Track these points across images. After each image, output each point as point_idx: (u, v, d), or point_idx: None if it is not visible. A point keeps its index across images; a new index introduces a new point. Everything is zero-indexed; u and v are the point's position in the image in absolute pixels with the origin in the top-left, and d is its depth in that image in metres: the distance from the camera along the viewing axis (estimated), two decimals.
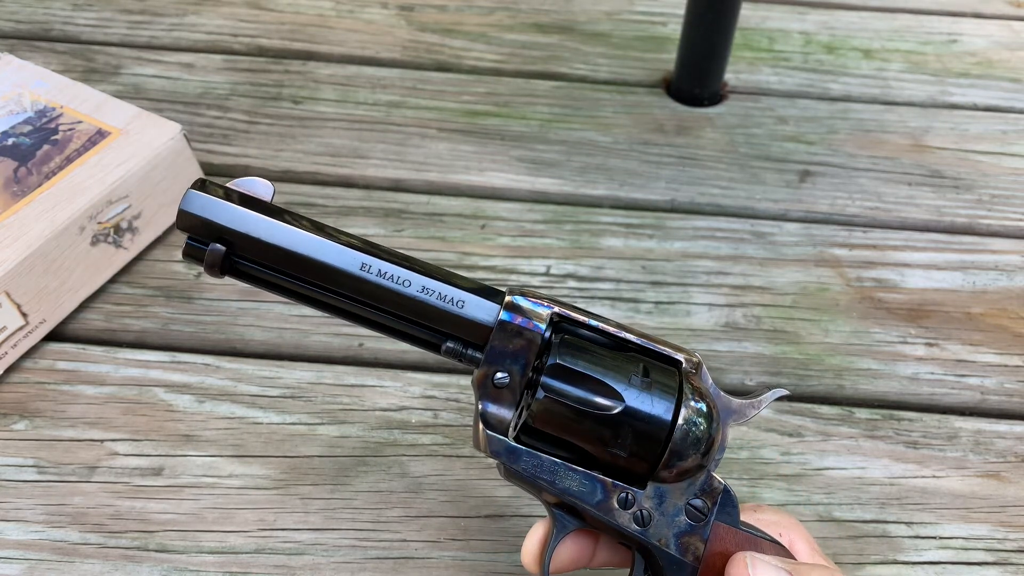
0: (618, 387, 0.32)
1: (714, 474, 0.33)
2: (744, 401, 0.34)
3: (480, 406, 0.33)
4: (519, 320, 0.33)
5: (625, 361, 0.33)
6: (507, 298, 0.33)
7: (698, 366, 0.34)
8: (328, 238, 0.33)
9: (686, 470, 0.32)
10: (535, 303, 0.33)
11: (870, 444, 0.50)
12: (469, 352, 0.33)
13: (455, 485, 0.47)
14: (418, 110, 0.70)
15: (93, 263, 0.54)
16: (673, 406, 0.32)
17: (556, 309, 0.33)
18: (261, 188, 0.33)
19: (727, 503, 0.33)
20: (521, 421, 0.33)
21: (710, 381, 0.34)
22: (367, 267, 0.32)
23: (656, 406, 0.32)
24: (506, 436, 0.33)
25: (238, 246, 0.32)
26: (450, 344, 0.33)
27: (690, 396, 0.32)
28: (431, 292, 0.33)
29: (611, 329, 0.34)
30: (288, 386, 0.51)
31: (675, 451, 0.32)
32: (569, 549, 0.36)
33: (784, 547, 0.34)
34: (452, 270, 0.34)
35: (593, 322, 0.34)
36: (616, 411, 0.32)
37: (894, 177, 0.66)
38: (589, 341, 0.33)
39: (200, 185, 0.32)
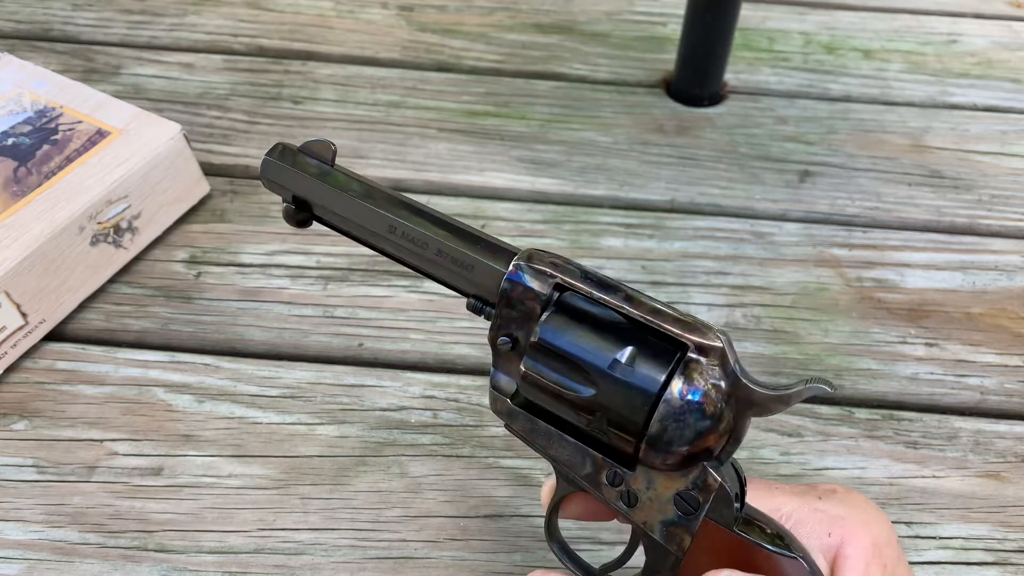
0: (595, 371, 0.31)
1: (715, 470, 0.31)
2: (771, 394, 0.31)
3: (493, 366, 0.35)
4: (519, 289, 0.33)
5: (614, 342, 0.31)
6: (512, 264, 0.33)
7: (714, 351, 0.30)
8: (366, 200, 0.36)
9: (672, 462, 0.31)
10: (538, 272, 0.33)
11: (870, 444, 0.50)
12: (487, 310, 0.34)
13: (455, 485, 0.47)
14: (418, 110, 0.70)
15: (93, 263, 0.54)
16: (653, 398, 0.30)
17: (559, 279, 0.32)
18: (324, 150, 0.37)
19: (723, 502, 0.31)
20: (515, 388, 0.34)
21: (732, 367, 0.31)
22: (393, 229, 0.36)
23: (633, 396, 0.31)
24: (508, 398, 0.34)
25: (301, 204, 0.37)
26: (471, 300, 0.35)
27: (681, 386, 0.30)
28: (444, 255, 0.35)
29: (615, 303, 0.32)
30: (288, 386, 0.51)
31: (653, 442, 0.31)
32: (579, 504, 0.36)
33: (798, 559, 0.30)
34: (478, 228, 0.35)
35: (597, 293, 0.32)
36: (587, 396, 0.31)
37: (894, 177, 0.66)
38: (582, 317, 0.32)
39: (274, 151, 0.37)
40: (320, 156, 0.37)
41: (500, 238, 0.35)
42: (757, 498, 0.33)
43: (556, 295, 0.33)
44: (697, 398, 0.31)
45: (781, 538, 0.32)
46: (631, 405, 0.31)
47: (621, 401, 0.31)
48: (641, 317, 0.32)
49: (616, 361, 0.31)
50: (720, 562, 0.31)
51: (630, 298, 0.32)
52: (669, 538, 0.32)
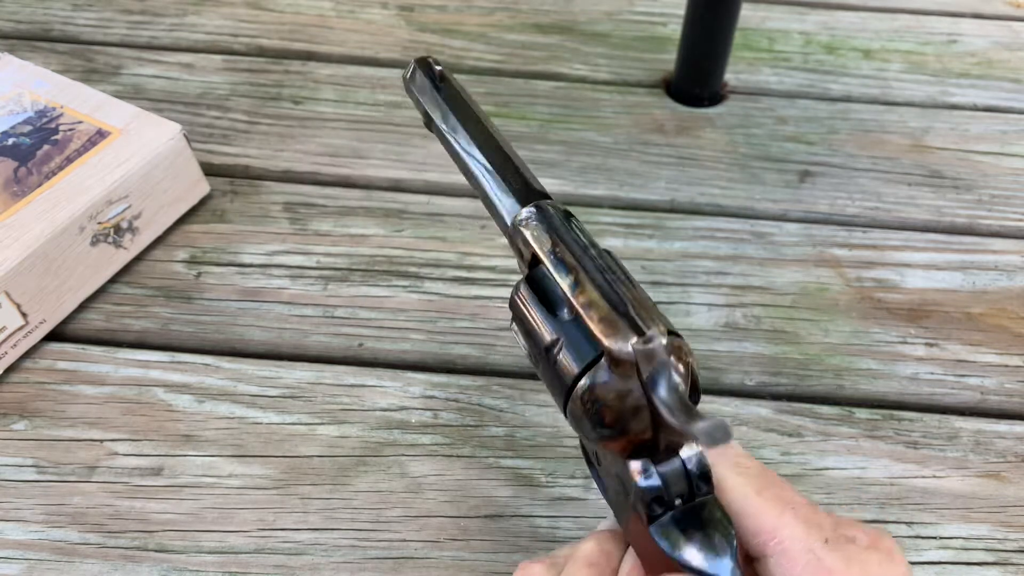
0: (537, 350, 0.32)
1: (640, 471, 0.29)
2: (671, 421, 0.26)
3: None
4: (518, 241, 0.34)
5: (553, 330, 0.31)
6: (515, 218, 0.34)
7: (623, 363, 0.28)
8: (466, 126, 0.38)
9: (590, 450, 0.32)
10: (532, 234, 0.33)
11: (870, 444, 0.50)
12: None
13: (455, 485, 0.47)
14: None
15: (93, 263, 0.54)
16: (564, 392, 0.30)
17: (533, 248, 0.33)
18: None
19: (644, 498, 0.29)
20: None
21: (648, 378, 0.27)
22: (470, 155, 0.38)
23: (554, 383, 0.31)
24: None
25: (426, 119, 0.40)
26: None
27: (586, 387, 0.29)
28: (488, 195, 0.36)
29: (562, 290, 0.31)
30: (288, 386, 0.51)
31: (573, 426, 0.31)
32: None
33: None
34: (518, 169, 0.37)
35: (563, 280, 0.31)
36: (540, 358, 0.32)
37: (894, 177, 0.66)
38: (541, 296, 0.32)
39: (420, 65, 0.40)
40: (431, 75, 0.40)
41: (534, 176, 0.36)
42: (762, 511, 0.29)
43: (527, 271, 0.33)
44: (597, 406, 0.29)
45: (715, 550, 0.28)
46: (555, 390, 0.31)
47: (550, 382, 0.31)
48: (578, 308, 0.30)
49: (548, 347, 0.31)
50: (641, 558, 0.30)
51: (577, 283, 0.31)
52: (616, 506, 0.32)
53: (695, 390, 0.30)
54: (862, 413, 0.51)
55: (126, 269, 0.57)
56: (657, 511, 0.29)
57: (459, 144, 0.38)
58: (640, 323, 0.28)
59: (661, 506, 0.29)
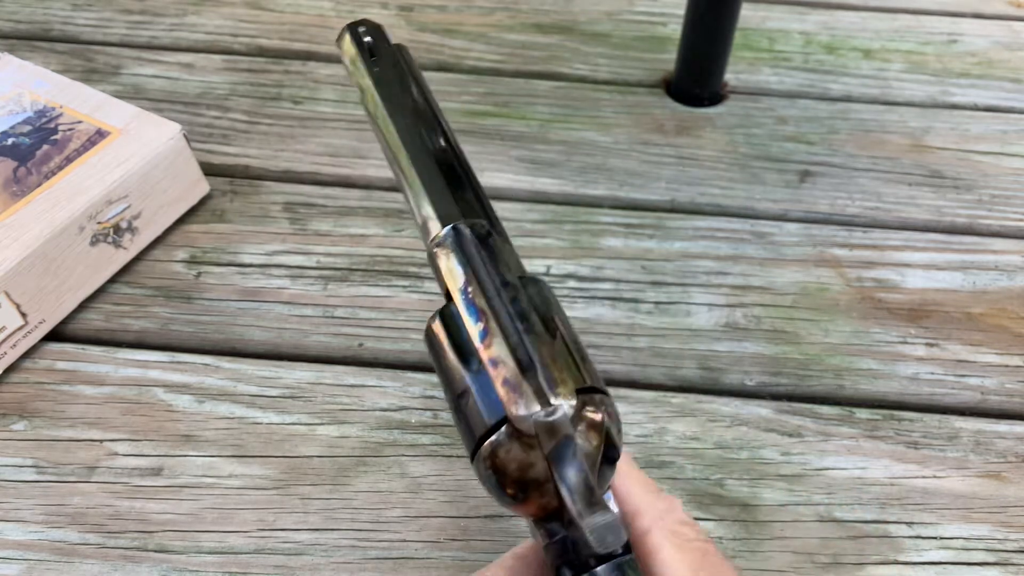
0: (451, 390, 0.29)
1: (547, 534, 0.27)
2: (573, 512, 0.25)
3: None
4: (433, 266, 0.32)
5: (462, 378, 0.28)
6: (430, 240, 0.32)
7: (521, 435, 0.26)
8: (394, 118, 0.35)
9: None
10: (445, 265, 0.30)
11: (870, 444, 0.50)
12: None
13: (455, 485, 0.47)
14: None
15: (93, 263, 0.54)
16: (473, 444, 0.28)
17: (450, 286, 0.30)
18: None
19: (553, 565, 0.27)
20: None
21: (568, 461, 0.25)
22: (394, 154, 0.34)
23: (462, 431, 0.28)
24: None
25: None
26: None
27: (489, 450, 0.27)
28: (408, 202, 0.34)
29: (476, 343, 0.28)
30: (288, 386, 0.51)
31: None
32: None
33: None
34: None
35: (472, 327, 0.28)
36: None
37: (894, 177, 0.66)
38: (454, 333, 0.29)
39: (351, 31, 0.38)
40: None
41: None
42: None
43: (444, 300, 0.30)
44: (499, 474, 0.27)
45: None
46: (464, 441, 0.28)
47: (459, 431, 0.29)
48: (485, 363, 0.27)
49: (457, 396, 0.28)
50: None
51: (486, 333, 0.28)
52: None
53: (612, 447, 0.28)
54: (862, 413, 0.51)
55: (126, 269, 0.57)
56: (567, 574, 0.27)
57: (384, 138, 0.34)
58: (546, 389, 0.26)
59: (572, 569, 0.27)
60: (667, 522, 0.28)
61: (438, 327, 0.30)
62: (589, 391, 0.27)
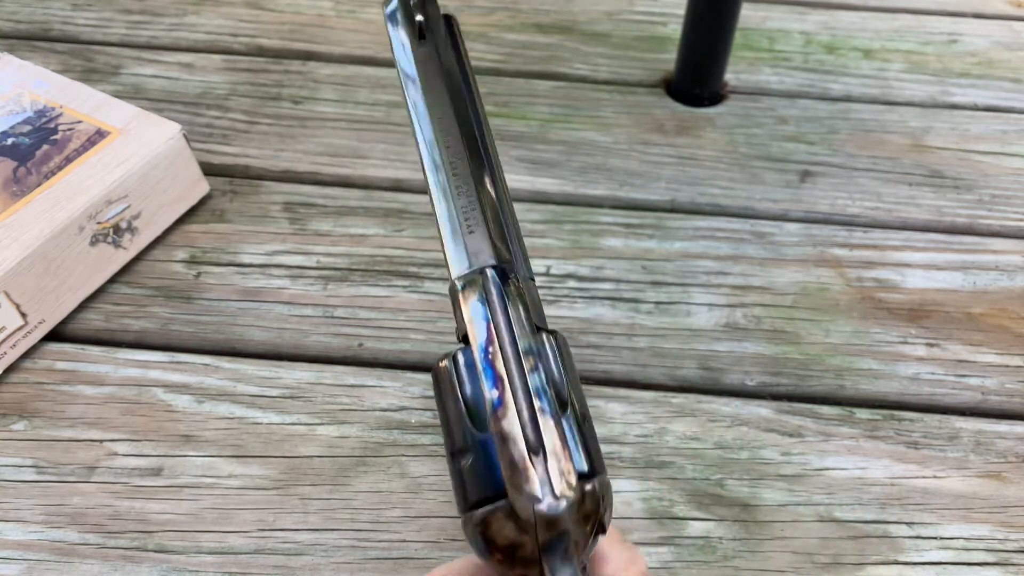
0: (450, 444, 0.29)
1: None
2: None
3: None
4: (454, 303, 0.31)
5: (466, 437, 0.28)
6: (456, 276, 0.30)
7: (520, 520, 0.25)
8: (431, 111, 0.33)
9: None
10: (468, 314, 0.29)
11: (871, 444, 0.49)
12: None
13: None
14: None
15: (92, 263, 0.54)
16: (460, 507, 0.28)
17: (471, 339, 0.29)
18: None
19: None
20: None
21: (560, 558, 0.25)
22: (428, 152, 0.33)
23: (456, 493, 0.28)
24: None
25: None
26: None
27: (479, 524, 0.27)
28: (436, 218, 0.32)
29: (488, 410, 0.27)
30: (288, 386, 0.51)
31: None
32: None
33: None
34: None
35: (487, 391, 0.28)
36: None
37: (894, 177, 0.66)
38: (466, 389, 0.29)
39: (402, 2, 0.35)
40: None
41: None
42: None
43: (460, 342, 0.30)
44: (487, 541, 0.27)
45: None
46: (454, 491, 0.28)
47: (452, 479, 0.28)
48: (494, 434, 0.27)
49: (456, 452, 0.28)
50: None
51: (500, 404, 0.27)
52: None
53: (603, 529, 0.28)
54: (863, 413, 0.51)
55: (125, 269, 0.57)
56: None
57: (419, 131, 0.32)
58: (552, 480, 0.25)
59: None
60: (630, 574, 0.29)
61: (450, 371, 0.29)
62: (590, 475, 0.27)
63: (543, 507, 0.25)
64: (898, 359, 0.54)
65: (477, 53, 0.76)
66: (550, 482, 0.25)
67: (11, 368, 0.51)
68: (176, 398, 0.50)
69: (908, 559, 0.45)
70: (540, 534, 0.25)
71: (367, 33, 0.77)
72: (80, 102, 0.59)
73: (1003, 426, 0.51)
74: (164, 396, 0.50)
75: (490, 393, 0.27)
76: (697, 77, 0.71)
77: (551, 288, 0.57)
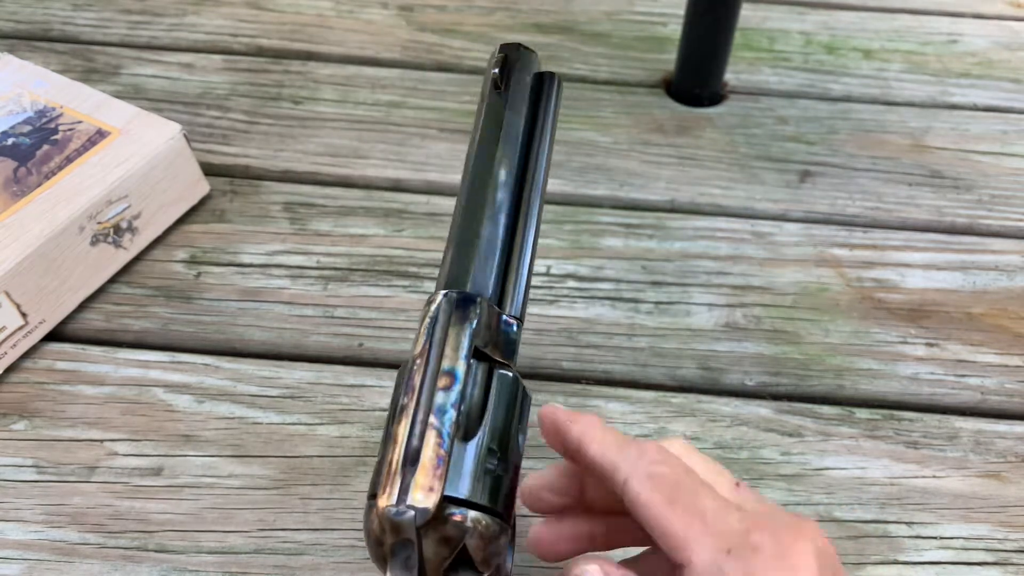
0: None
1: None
2: None
3: None
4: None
5: (385, 431, 0.31)
6: (432, 294, 0.33)
7: (388, 524, 0.27)
8: (478, 152, 0.35)
9: None
10: (422, 327, 0.31)
11: (870, 444, 0.50)
12: None
13: None
14: (418, 110, 0.70)
15: (93, 263, 0.54)
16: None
17: (414, 347, 0.30)
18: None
19: None
20: None
21: (399, 566, 0.27)
22: (462, 184, 0.35)
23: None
24: None
25: None
26: None
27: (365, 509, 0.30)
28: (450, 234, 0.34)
29: (391, 413, 0.30)
30: (288, 386, 0.51)
31: None
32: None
33: None
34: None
35: (402, 397, 0.29)
36: None
37: (894, 177, 0.66)
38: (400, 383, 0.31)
39: (503, 51, 0.38)
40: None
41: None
42: (673, 526, 0.28)
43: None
44: (365, 527, 0.29)
45: None
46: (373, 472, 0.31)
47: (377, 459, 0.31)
48: (391, 433, 0.29)
49: (385, 438, 0.30)
50: None
51: (401, 412, 0.29)
52: None
53: (467, 562, 0.28)
54: (862, 413, 0.51)
55: (126, 269, 0.57)
56: None
57: (467, 162, 0.35)
58: (410, 489, 0.26)
59: None
60: (640, 467, 0.29)
61: (400, 373, 0.31)
62: (472, 506, 0.27)
63: (392, 512, 0.26)
64: (898, 359, 0.54)
65: (477, 53, 0.76)
66: (406, 492, 0.26)
67: (11, 368, 0.51)
68: (176, 398, 0.50)
69: (908, 559, 0.45)
70: (388, 537, 0.27)
71: (367, 33, 0.77)
72: (80, 102, 0.59)
73: (1003, 426, 0.51)
74: (164, 396, 0.50)
75: (402, 399, 0.29)
76: (697, 77, 0.71)
77: (551, 288, 0.57)
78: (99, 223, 0.54)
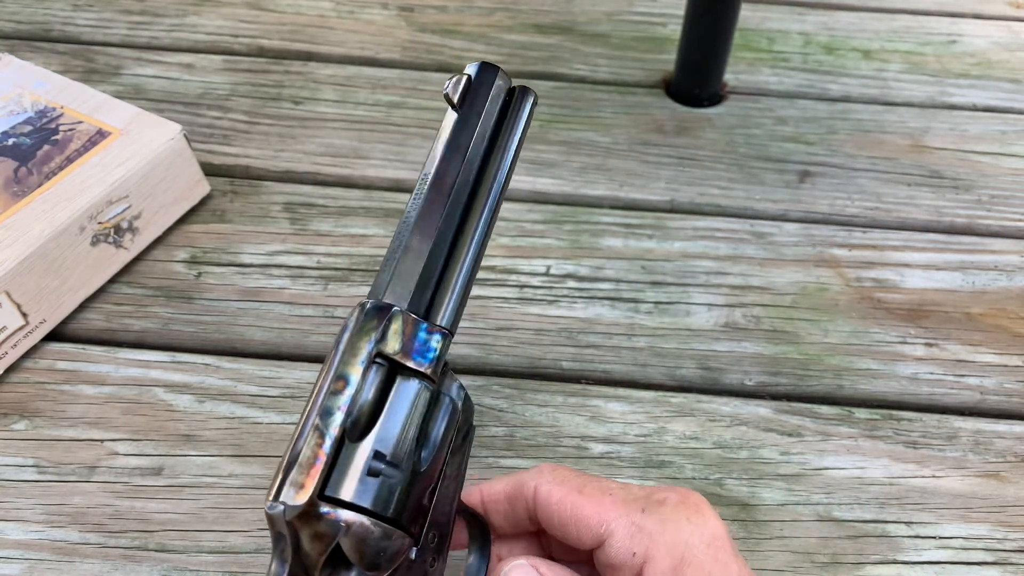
0: None
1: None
2: None
3: None
4: None
5: None
6: (367, 296, 0.33)
7: (268, 517, 0.28)
8: (436, 172, 0.35)
9: None
10: (345, 328, 0.31)
11: (870, 444, 0.50)
12: None
13: None
14: (418, 110, 0.70)
15: (93, 263, 0.54)
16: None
17: (336, 344, 0.31)
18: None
19: None
20: None
21: (276, 558, 0.29)
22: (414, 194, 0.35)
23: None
24: None
25: None
26: None
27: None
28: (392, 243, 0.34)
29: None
30: (288, 386, 0.51)
31: None
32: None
33: None
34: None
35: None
36: None
37: (894, 177, 0.66)
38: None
39: (479, 71, 0.39)
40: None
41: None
42: (588, 507, 0.32)
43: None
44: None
45: None
46: None
47: None
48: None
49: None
50: None
51: (302, 411, 0.30)
52: None
53: (341, 560, 0.29)
54: (862, 413, 0.51)
55: (126, 269, 0.57)
56: None
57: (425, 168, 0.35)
58: (284, 487, 0.28)
59: None
60: (544, 474, 0.33)
61: None
62: (349, 507, 0.28)
63: (267, 506, 0.28)
64: (897, 359, 0.54)
65: (477, 53, 0.76)
66: (280, 489, 0.28)
67: (12, 368, 0.51)
68: (177, 398, 0.50)
69: (907, 558, 0.45)
70: (270, 528, 0.29)
71: (367, 33, 0.77)
72: (81, 102, 0.59)
73: (1002, 426, 0.51)
74: (165, 396, 0.50)
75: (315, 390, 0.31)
76: (696, 77, 0.71)
77: (551, 288, 0.57)
78: (100, 223, 0.54)
